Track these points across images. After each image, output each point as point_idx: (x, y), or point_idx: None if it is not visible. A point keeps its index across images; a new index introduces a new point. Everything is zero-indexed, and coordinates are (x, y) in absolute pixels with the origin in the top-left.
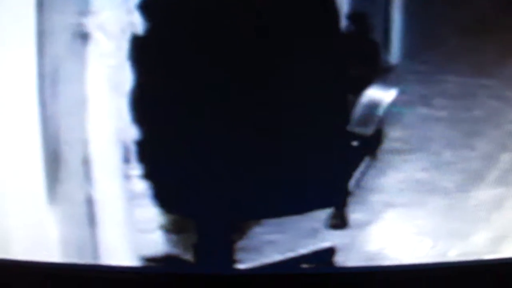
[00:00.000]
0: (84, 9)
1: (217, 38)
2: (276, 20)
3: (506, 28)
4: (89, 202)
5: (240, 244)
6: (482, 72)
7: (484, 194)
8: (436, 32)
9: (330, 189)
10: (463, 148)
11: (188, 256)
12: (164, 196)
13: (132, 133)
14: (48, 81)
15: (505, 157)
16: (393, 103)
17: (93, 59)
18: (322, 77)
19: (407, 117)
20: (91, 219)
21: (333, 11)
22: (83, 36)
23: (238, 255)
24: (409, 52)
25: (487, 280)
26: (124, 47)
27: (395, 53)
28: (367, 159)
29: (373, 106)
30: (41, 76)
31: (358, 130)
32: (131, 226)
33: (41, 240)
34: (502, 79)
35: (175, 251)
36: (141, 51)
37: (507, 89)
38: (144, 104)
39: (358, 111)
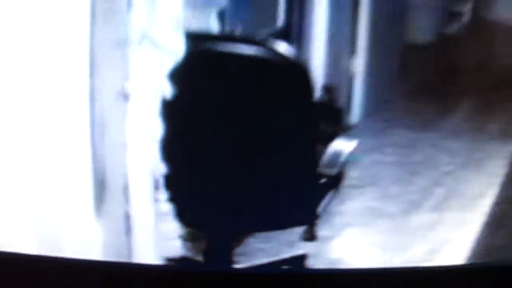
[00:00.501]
0: (125, 75)
1: (222, 104)
2: (266, 94)
3: (443, 93)
4: (127, 217)
5: (238, 250)
6: (423, 126)
7: (421, 218)
8: (388, 97)
9: (304, 213)
10: (406, 184)
11: (199, 258)
12: (183, 214)
13: (161, 168)
14: (98, 129)
15: (438, 191)
16: (353, 151)
17: (133, 114)
18: (300, 134)
19: (363, 162)
20: (128, 230)
21: (310, 86)
22: (125, 96)
23: (236, 258)
24: (366, 113)
25: (425, 283)
26: (156, 105)
27: (355, 114)
28: (332, 192)
29: (338, 154)
30: (93, 125)
31: (326, 171)
32: (157, 236)
33: (89, 244)
34: (438, 132)
35: (190, 254)
36: (168, 109)
37: (442, 140)
38: (170, 148)
39: (326, 157)
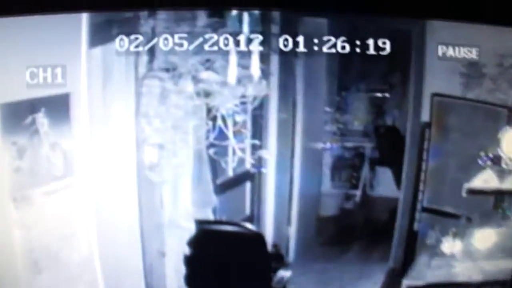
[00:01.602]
0: (162, 243)
1: (216, 261)
2: (240, 253)
3: (344, 249)
4: None
5: None
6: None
7: None
8: (311, 245)
9: None
10: None
11: None
12: None
13: None
14: (148, 275)
15: None
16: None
17: (168, 266)
18: (261, 271)
19: None
20: None
21: (265, 245)
22: (162, 254)
23: None
24: (298, 255)
25: None
26: (181, 261)
27: (291, 256)
28: None
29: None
30: (145, 272)
31: None
32: None
33: None
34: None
35: None
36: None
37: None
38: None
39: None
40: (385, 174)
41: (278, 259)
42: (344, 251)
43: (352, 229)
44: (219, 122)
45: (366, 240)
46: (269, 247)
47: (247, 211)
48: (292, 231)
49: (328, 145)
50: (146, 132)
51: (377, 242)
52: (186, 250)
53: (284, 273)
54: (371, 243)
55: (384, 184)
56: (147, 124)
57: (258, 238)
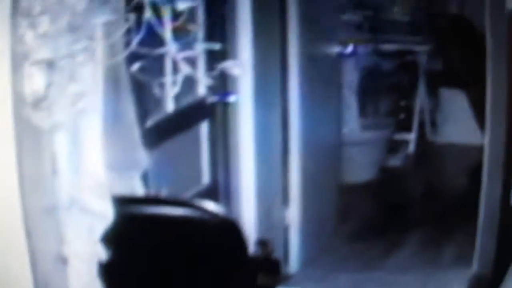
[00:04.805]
0: (61, 239)
1: (155, 267)
2: (198, 254)
3: (388, 231)
4: None
5: None
6: (368, 267)
7: None
8: (328, 242)
9: None
10: None
11: None
12: None
13: None
14: None
15: None
16: None
17: (72, 277)
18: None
19: None
20: None
21: (243, 242)
22: (63, 260)
23: None
24: (305, 262)
25: None
26: (93, 268)
27: (293, 265)
28: None
29: None
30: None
31: None
32: None
33: None
34: (385, 269)
35: None
36: (106, 271)
37: (390, 276)
38: None
39: None
40: (455, 103)
41: (269, 269)
42: (390, 249)
43: (402, 208)
44: (148, 14)
45: (429, 228)
46: (251, 246)
47: (205, 178)
48: (293, 215)
49: (349, 48)
50: (28, 41)
51: (448, 230)
52: (101, 253)
53: None
54: (438, 233)
55: (456, 122)
56: (29, 28)
57: (228, 229)
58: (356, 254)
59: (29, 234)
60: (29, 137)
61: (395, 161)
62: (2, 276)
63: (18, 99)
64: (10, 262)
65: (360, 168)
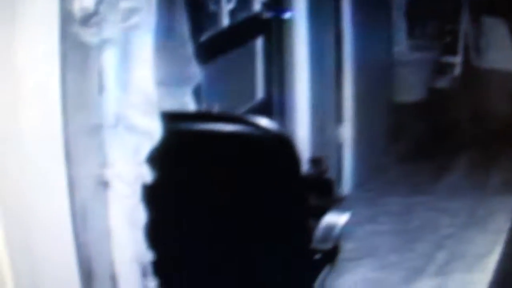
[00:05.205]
0: (103, 162)
1: (205, 186)
2: (251, 171)
3: (438, 153)
4: None
5: None
6: (418, 190)
7: (424, 284)
8: (379, 163)
9: None
10: (405, 251)
11: None
12: None
13: (148, 255)
14: (79, 218)
15: (440, 254)
16: (346, 224)
17: (114, 201)
18: (290, 210)
19: (357, 233)
20: None
21: (296, 159)
22: (105, 184)
23: None
24: (357, 183)
25: None
26: (137, 191)
27: (346, 186)
28: (327, 267)
29: (331, 228)
30: (73, 214)
31: (320, 246)
32: None
33: None
34: (435, 194)
35: None
36: (151, 194)
37: (440, 202)
38: (156, 234)
39: (319, 232)
40: (497, 31)
41: (322, 189)
42: (439, 172)
43: (450, 130)
44: None
45: (476, 152)
46: (304, 164)
47: (259, 94)
48: (347, 134)
49: None
50: None
51: (494, 155)
52: (146, 174)
53: (335, 219)
54: (484, 158)
55: (498, 49)
56: None
57: (282, 146)
58: (406, 177)
59: (69, 157)
60: (76, 54)
61: (442, 83)
62: (39, 202)
63: (66, 16)
64: (47, 188)
65: (410, 88)
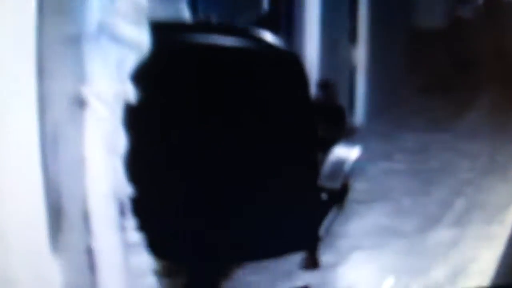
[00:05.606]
0: (81, 77)
1: (199, 108)
2: (252, 92)
3: (459, 87)
4: (89, 251)
5: (225, 285)
6: (436, 127)
7: (441, 234)
8: (395, 94)
9: (304, 235)
10: (420, 195)
11: None
12: (156, 244)
13: (127, 189)
14: (49, 143)
15: (459, 202)
16: (357, 160)
17: (90, 124)
18: (295, 138)
19: (370, 171)
20: (91, 267)
21: (304, 80)
22: (81, 103)
23: None
24: (371, 114)
25: None
26: (118, 113)
27: (359, 116)
28: (335, 209)
29: (340, 163)
30: (43, 137)
31: (327, 184)
32: (127, 272)
33: (46, 284)
34: (454, 133)
35: None
36: (133, 117)
37: (459, 142)
38: (137, 165)
39: (326, 168)
40: None
41: (331, 116)
42: (458, 109)
43: (471, 64)
44: None
45: (497, 91)
46: (312, 87)
47: (264, 4)
48: (361, 56)
49: None
50: None
51: None
52: (129, 93)
53: (345, 153)
54: (505, 98)
55: None
56: None
57: (288, 64)
58: (423, 111)
59: (41, 71)
60: None
61: (465, 12)
62: (1, 121)
63: None
64: (14, 105)
65: (431, 13)
